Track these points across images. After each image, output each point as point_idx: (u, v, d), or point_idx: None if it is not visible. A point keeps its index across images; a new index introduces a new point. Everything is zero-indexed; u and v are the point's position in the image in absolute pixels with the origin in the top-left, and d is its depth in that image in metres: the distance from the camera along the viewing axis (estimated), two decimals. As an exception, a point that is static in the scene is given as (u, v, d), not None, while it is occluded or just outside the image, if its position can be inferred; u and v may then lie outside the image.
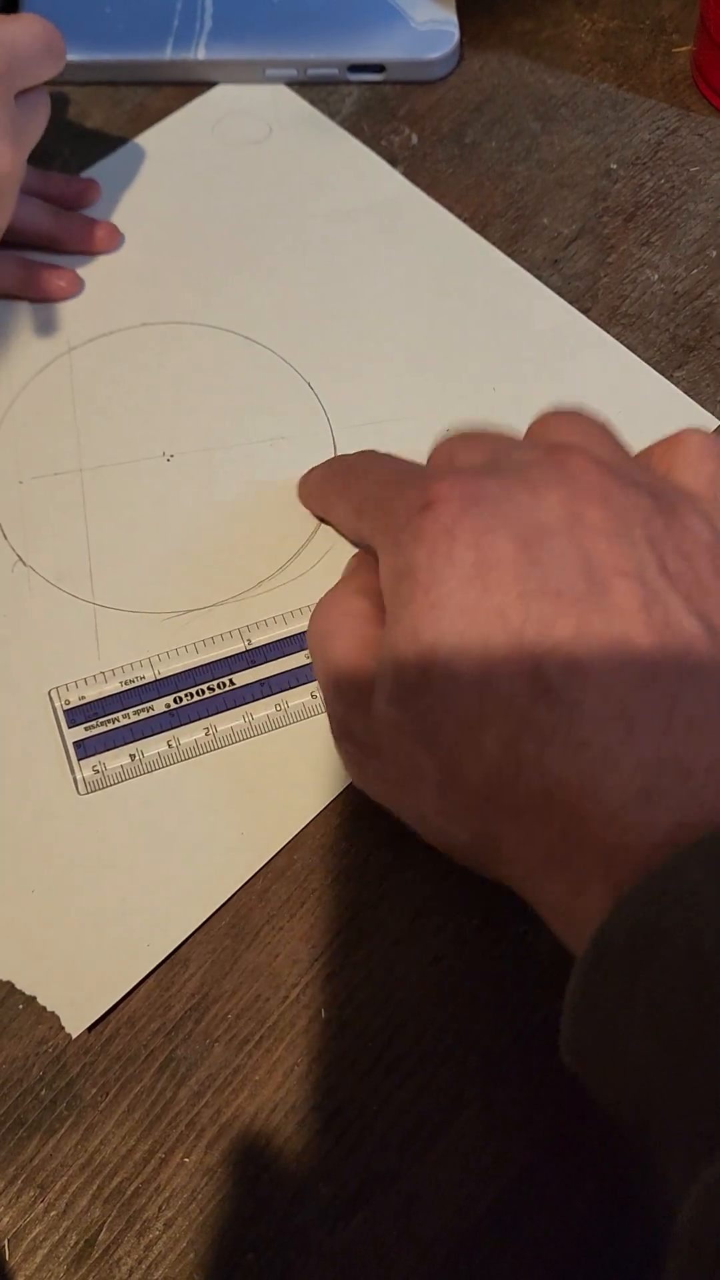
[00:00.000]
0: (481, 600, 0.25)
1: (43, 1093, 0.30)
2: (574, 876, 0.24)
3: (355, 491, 0.32)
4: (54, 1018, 0.31)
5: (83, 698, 0.34)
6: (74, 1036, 0.30)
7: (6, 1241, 0.29)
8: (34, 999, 0.31)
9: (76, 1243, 0.29)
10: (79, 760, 0.33)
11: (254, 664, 0.35)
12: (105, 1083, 0.30)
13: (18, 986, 0.31)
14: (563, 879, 0.24)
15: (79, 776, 0.33)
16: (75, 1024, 0.30)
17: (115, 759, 0.33)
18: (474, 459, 0.29)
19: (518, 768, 0.24)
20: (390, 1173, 0.29)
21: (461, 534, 0.26)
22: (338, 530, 0.37)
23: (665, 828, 0.23)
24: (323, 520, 0.37)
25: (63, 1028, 0.30)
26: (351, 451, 0.39)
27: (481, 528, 0.25)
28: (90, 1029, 0.31)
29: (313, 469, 0.37)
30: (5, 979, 0.31)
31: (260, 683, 0.34)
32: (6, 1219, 0.29)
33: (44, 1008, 0.31)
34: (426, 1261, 0.29)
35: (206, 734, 0.34)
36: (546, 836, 0.24)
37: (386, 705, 0.26)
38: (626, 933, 0.22)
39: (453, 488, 0.26)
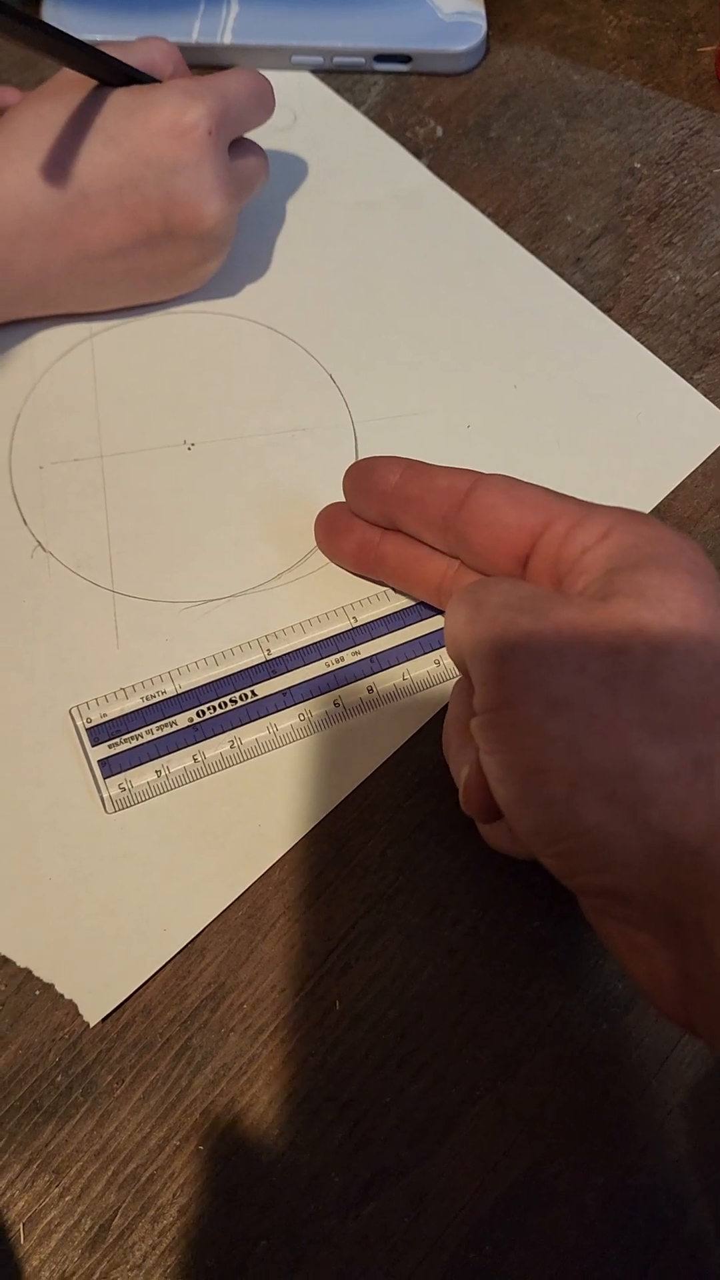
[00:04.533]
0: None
1: (58, 1079, 0.30)
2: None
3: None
4: (71, 1004, 0.31)
5: (104, 715, 0.34)
6: (91, 1025, 0.31)
7: (22, 1225, 0.29)
8: (51, 986, 0.31)
9: (91, 1228, 0.29)
10: (104, 779, 0.33)
11: (275, 674, 0.35)
12: (121, 1070, 0.30)
13: (35, 973, 0.31)
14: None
15: (105, 795, 0.33)
16: (93, 1012, 0.31)
17: (141, 776, 0.33)
18: None
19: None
20: (402, 1165, 0.30)
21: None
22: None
23: None
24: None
25: (79, 1014, 0.31)
26: (372, 452, 0.39)
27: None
28: (106, 1016, 0.31)
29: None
30: (23, 966, 0.31)
31: (283, 693, 0.34)
32: (22, 1203, 0.29)
33: (61, 994, 0.31)
34: (436, 1252, 0.29)
35: (231, 747, 0.34)
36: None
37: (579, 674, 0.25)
38: None
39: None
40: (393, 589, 0.36)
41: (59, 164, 0.35)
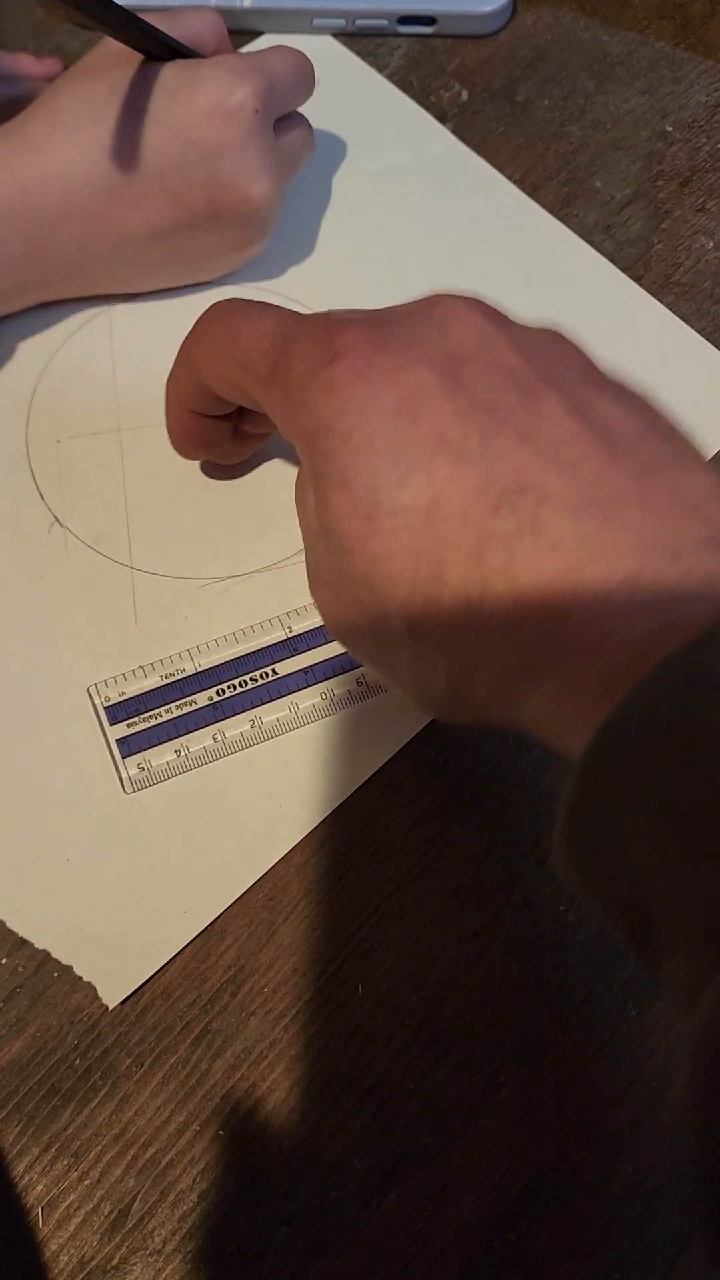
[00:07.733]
0: (412, 431, 0.24)
1: (77, 1062, 0.30)
2: (562, 680, 0.22)
3: (235, 345, 0.28)
4: (89, 987, 0.30)
5: (123, 694, 0.33)
6: (110, 1007, 0.30)
7: (41, 1209, 0.28)
8: (70, 968, 0.30)
9: (110, 1212, 0.29)
10: (123, 758, 0.33)
11: (296, 652, 0.34)
12: (140, 1053, 0.30)
13: (54, 955, 0.30)
14: (550, 685, 0.23)
15: (124, 775, 0.33)
16: (112, 995, 0.30)
17: (160, 755, 0.33)
18: (361, 315, 0.27)
19: (484, 585, 0.23)
20: (425, 1151, 0.29)
21: (378, 376, 0.24)
22: (196, 395, 0.31)
23: (661, 613, 0.21)
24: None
25: (98, 997, 0.30)
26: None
27: (397, 364, 0.24)
28: (125, 999, 0.30)
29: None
30: (41, 947, 0.31)
31: (304, 671, 0.34)
32: (41, 1186, 0.29)
33: (80, 977, 0.30)
34: (459, 1240, 0.29)
35: (252, 726, 0.33)
36: (526, 649, 0.23)
37: (335, 567, 0.25)
38: (638, 722, 0.20)
39: (359, 334, 0.25)
40: None
41: (100, 146, 0.34)
